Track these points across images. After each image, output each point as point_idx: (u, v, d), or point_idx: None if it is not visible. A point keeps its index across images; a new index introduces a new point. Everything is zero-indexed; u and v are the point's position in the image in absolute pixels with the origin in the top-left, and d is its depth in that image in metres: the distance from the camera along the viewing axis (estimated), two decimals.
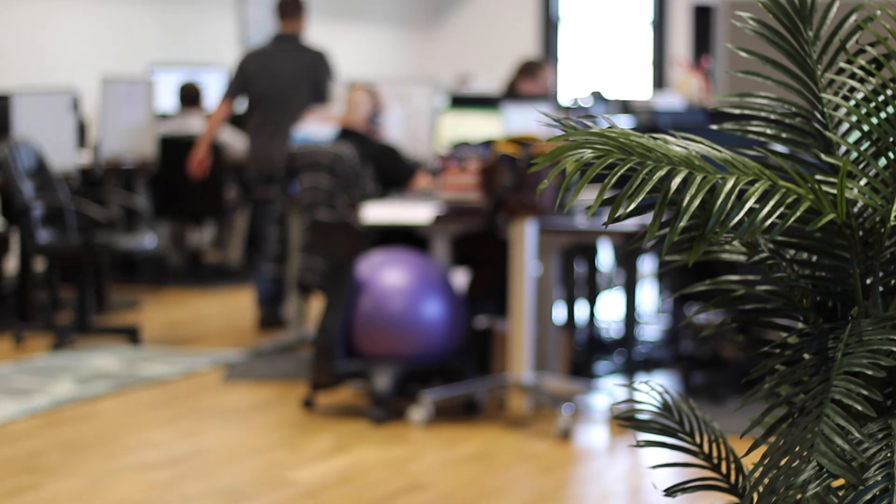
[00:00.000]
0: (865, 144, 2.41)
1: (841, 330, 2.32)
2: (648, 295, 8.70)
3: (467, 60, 14.39)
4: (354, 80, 9.55)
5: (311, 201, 7.19)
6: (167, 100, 10.25)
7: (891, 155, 2.37)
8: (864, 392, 2.18)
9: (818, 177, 2.37)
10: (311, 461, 5.54)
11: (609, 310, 8.26)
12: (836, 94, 2.46)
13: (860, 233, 2.34)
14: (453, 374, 6.24)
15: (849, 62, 2.46)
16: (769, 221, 2.16)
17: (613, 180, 2.18)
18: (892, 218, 2.26)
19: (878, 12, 2.45)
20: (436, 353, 6.21)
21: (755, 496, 2.26)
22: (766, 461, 2.24)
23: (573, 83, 14.29)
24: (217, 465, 5.51)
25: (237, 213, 10.12)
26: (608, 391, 6.61)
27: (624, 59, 14.56)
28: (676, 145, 2.27)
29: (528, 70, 9.19)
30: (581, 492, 5.36)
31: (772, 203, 2.17)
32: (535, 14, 14.62)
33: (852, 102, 2.42)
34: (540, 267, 6.52)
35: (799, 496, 2.15)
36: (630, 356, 6.82)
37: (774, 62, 2.47)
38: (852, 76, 2.45)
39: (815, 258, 2.41)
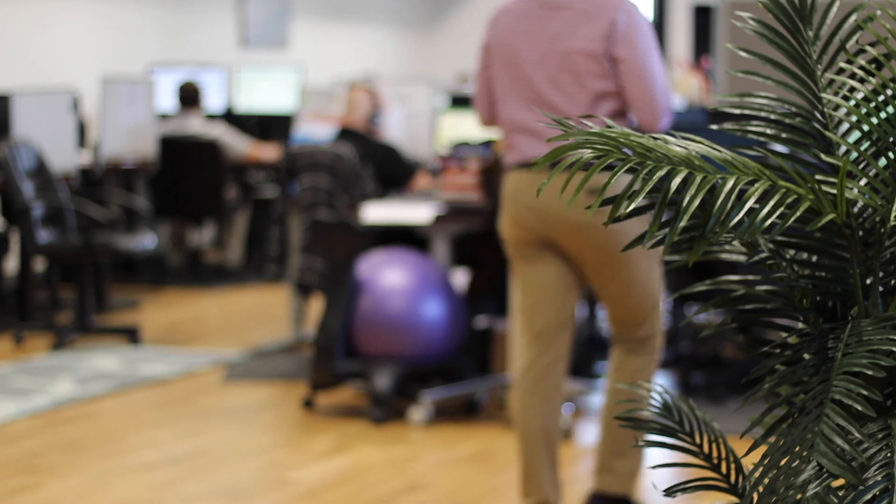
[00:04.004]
0: (865, 144, 2.41)
1: (841, 330, 2.32)
2: None
3: (467, 60, 14.39)
4: (354, 80, 9.55)
5: (311, 201, 7.19)
6: (167, 100, 10.26)
7: (891, 155, 2.37)
8: (864, 392, 2.18)
9: (818, 177, 2.37)
10: (311, 461, 5.54)
11: None
12: (836, 94, 2.46)
13: (860, 233, 2.33)
14: (453, 374, 6.24)
15: (849, 62, 2.45)
16: (769, 221, 2.16)
17: (613, 180, 2.18)
18: (892, 218, 2.26)
19: (878, 12, 2.45)
20: (436, 353, 6.21)
21: (755, 496, 2.26)
22: (766, 461, 2.24)
23: None
24: (217, 465, 5.51)
25: (237, 213, 10.13)
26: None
27: None
28: (676, 145, 2.27)
29: None
30: (581, 492, 5.36)
31: (772, 203, 2.17)
32: None
33: (852, 102, 2.42)
34: None
35: (799, 496, 2.15)
36: None
37: (774, 62, 2.47)
38: (852, 76, 2.45)
39: (815, 258, 2.41)
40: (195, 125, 9.69)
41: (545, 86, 4.46)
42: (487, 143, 6.49)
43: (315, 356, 6.20)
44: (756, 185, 2.18)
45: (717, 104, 2.53)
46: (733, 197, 2.16)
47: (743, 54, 2.46)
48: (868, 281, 2.37)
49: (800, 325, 2.43)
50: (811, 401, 2.23)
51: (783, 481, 2.17)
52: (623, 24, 4.43)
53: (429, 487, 5.19)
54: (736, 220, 2.16)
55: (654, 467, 2.57)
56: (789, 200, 2.18)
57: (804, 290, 2.41)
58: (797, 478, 2.15)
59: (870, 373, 2.19)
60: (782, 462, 2.21)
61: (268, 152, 9.86)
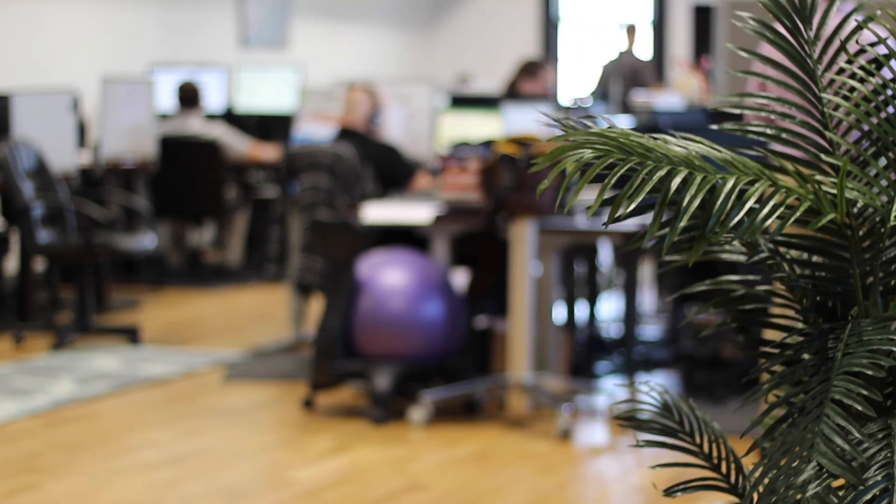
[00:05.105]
0: (865, 144, 2.41)
1: (841, 330, 2.32)
2: (648, 295, 8.70)
3: (467, 60, 14.39)
4: (354, 80, 9.54)
5: (311, 201, 7.19)
6: (167, 100, 10.26)
7: (891, 155, 2.37)
8: (864, 392, 2.18)
9: (818, 177, 2.37)
10: (311, 461, 5.54)
11: (609, 310, 8.25)
12: (836, 94, 2.46)
13: (860, 233, 2.33)
14: (453, 374, 6.24)
15: (849, 62, 2.45)
16: (769, 221, 2.16)
17: (613, 180, 2.18)
18: (892, 218, 2.26)
19: (878, 12, 2.45)
20: (436, 353, 6.21)
21: (755, 496, 2.26)
22: (766, 461, 2.24)
23: (573, 83, 14.29)
24: (217, 465, 5.51)
25: (237, 213, 10.12)
26: (608, 391, 6.60)
27: None
28: (676, 145, 2.27)
29: (529, 70, 9.20)
30: (581, 492, 5.36)
31: (772, 203, 2.17)
32: (535, 14, 14.62)
33: (852, 102, 2.42)
34: (540, 267, 6.52)
35: (799, 496, 2.15)
36: (630, 356, 6.81)
37: (774, 62, 2.47)
38: (852, 76, 2.45)
39: (815, 258, 2.41)
40: (195, 125, 9.69)
41: None
42: (487, 143, 6.49)
43: (315, 356, 6.19)
44: (756, 185, 2.18)
45: (717, 104, 2.53)
46: (733, 197, 2.16)
47: (743, 54, 2.46)
48: (868, 281, 2.37)
49: (800, 325, 2.43)
50: (811, 401, 2.23)
51: (783, 481, 2.17)
52: None
53: (429, 487, 5.19)
54: (736, 220, 2.16)
55: (654, 467, 2.57)
56: (789, 200, 2.18)
57: (804, 290, 2.41)
58: (797, 478, 2.15)
59: (870, 373, 2.19)
60: (782, 462, 2.21)
61: (268, 152, 9.86)
